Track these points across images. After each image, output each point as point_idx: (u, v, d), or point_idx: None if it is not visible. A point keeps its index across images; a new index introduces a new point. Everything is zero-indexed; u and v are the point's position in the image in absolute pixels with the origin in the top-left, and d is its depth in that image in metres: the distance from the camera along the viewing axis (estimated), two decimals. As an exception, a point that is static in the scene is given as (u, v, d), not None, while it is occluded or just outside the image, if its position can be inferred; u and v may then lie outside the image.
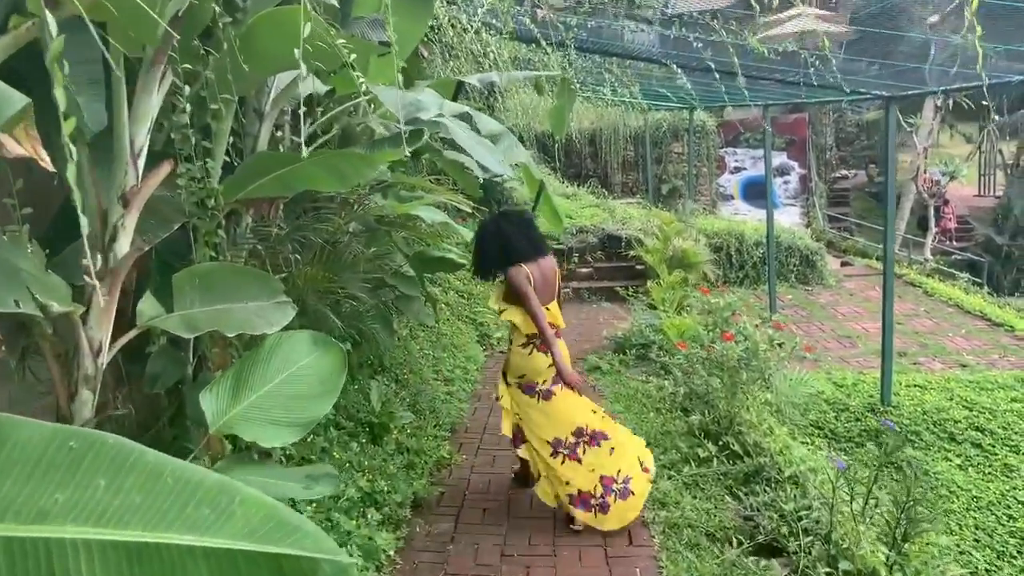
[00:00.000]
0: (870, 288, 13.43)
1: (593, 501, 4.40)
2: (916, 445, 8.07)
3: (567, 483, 4.42)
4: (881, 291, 12.81)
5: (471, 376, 7.34)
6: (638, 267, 11.92)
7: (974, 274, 17.98)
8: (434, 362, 7.15)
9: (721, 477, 5.15)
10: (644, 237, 11.77)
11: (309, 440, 4.54)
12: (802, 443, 6.66)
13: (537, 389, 4.51)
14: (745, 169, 22.22)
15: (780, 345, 6.10)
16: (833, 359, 10.01)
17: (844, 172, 25.64)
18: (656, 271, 10.98)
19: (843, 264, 15.18)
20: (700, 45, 8.73)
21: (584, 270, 12.09)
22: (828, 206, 22.93)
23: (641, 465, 4.61)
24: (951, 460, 7.85)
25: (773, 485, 4.86)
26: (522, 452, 4.66)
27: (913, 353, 10.26)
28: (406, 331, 7.22)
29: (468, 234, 6.28)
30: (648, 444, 5.67)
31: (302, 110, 4.44)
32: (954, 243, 23.39)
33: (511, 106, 14.90)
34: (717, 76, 7.68)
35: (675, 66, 7.62)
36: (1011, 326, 11.03)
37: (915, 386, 8.97)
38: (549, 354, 4.38)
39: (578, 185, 17.08)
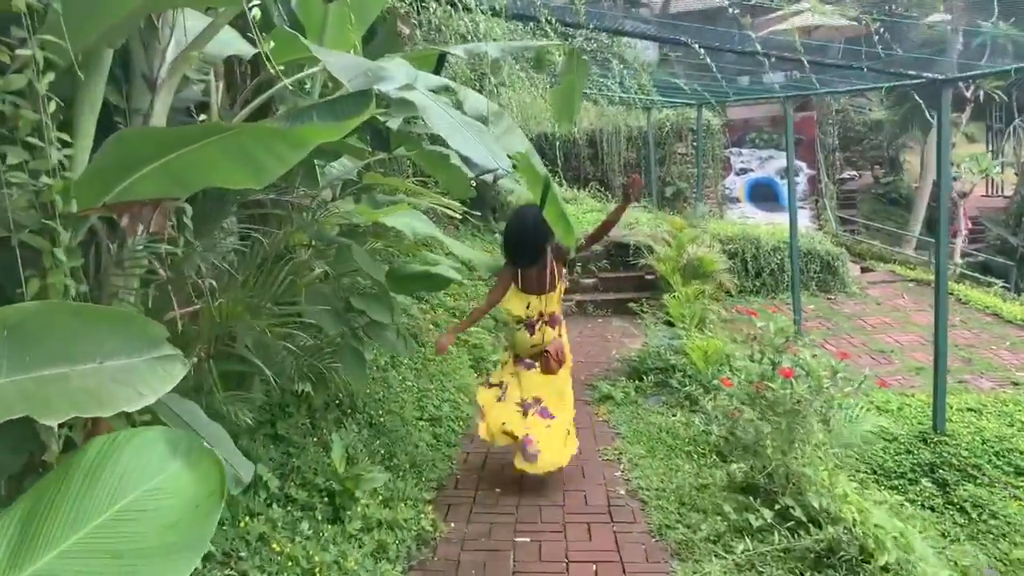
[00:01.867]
0: (897, 296, 12.26)
1: (528, 449, 4.83)
2: (978, 481, 6.88)
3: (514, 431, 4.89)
4: (913, 300, 11.77)
5: (463, 411, 6.13)
6: (648, 277, 10.72)
7: (989, 277, 16.82)
8: (418, 396, 5.94)
9: (782, 555, 3.96)
10: (654, 244, 10.58)
11: (241, 524, 3.34)
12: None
13: (525, 362, 5.15)
14: (751, 170, 21.06)
15: (839, 376, 4.90)
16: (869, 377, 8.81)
17: (852, 173, 24.48)
18: (669, 281, 9.79)
19: (863, 270, 14.00)
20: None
21: (588, 281, 10.89)
22: (837, 208, 21.76)
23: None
24: (1022, 499, 6.67)
25: (857, 571, 3.67)
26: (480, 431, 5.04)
27: (957, 370, 9.06)
28: (385, 359, 6.01)
29: (457, 246, 5.09)
30: (682, 504, 4.50)
31: (215, 83, 3.25)
32: (967, 245, 22.29)
33: (504, 102, 13.72)
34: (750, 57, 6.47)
35: (698, 47, 6.44)
36: (1061, 338, 9.86)
37: (969, 410, 7.78)
38: (532, 334, 5.05)
39: (579, 189, 15.88)
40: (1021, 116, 16.77)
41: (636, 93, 11.90)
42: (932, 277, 13.16)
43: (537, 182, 3.28)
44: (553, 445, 4.88)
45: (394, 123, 3.90)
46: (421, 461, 4.85)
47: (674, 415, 6.27)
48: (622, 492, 4.86)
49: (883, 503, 4.54)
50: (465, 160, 2.66)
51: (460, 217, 6.37)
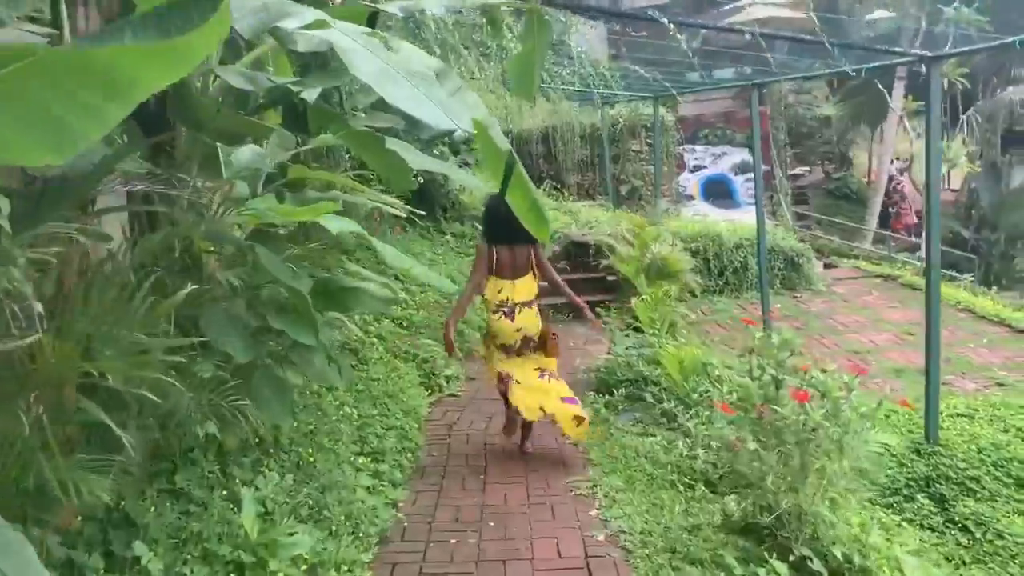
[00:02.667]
0: (864, 292, 11.71)
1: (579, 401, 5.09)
2: (978, 496, 6.25)
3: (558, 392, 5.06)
4: (882, 297, 11.21)
5: (411, 441, 5.26)
6: (609, 278, 9.97)
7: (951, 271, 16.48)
8: (358, 426, 5.07)
9: (804, 622, 3.20)
10: (615, 243, 9.83)
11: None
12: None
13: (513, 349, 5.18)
14: (705, 167, 20.56)
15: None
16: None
17: (803, 169, 24.15)
18: (633, 283, 9.06)
19: (827, 266, 13.46)
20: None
21: (546, 284, 10.11)
22: (791, 204, 21.37)
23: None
24: (1026, 513, 6.07)
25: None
26: (515, 400, 5.06)
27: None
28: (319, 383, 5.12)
29: (392, 254, 4.24)
30: (673, 552, 3.72)
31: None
32: (915, 238, 22.06)
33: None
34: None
35: (667, 22, 5.65)
36: (1038, 333, 9.36)
37: (959, 415, 7.17)
38: (513, 320, 5.08)
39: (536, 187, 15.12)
40: (973, 106, 16.47)
41: (595, 85, 11.11)
42: (898, 273, 12.70)
43: (498, 160, 2.45)
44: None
45: (310, 94, 3.05)
46: (359, 512, 3.97)
47: (652, 436, 5.50)
48: (600, 538, 4.05)
49: (917, 552, 3.81)
50: (410, 121, 1.84)
51: (405, 216, 5.55)
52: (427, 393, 6.49)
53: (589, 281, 10.06)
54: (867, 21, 23.74)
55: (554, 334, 5.32)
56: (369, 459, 4.71)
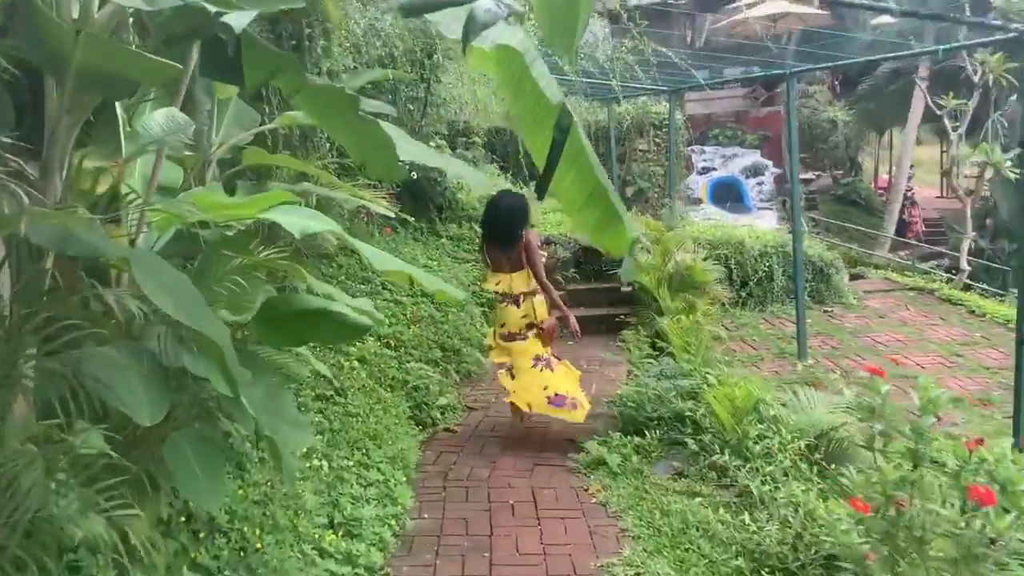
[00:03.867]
0: (900, 307, 10.56)
1: (567, 402, 5.18)
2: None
3: (545, 387, 5.20)
4: (920, 313, 9.91)
5: (396, 501, 4.08)
6: (624, 289, 8.81)
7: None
8: (329, 483, 3.89)
9: None
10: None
11: None
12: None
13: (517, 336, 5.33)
14: (714, 169, 19.42)
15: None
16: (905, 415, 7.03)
17: (815, 173, 23.02)
18: (654, 295, 7.90)
19: (853, 277, 12.30)
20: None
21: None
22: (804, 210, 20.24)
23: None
24: None
25: None
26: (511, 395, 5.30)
27: (994, 398, 7.35)
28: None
29: (378, 258, 3.05)
30: None
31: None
32: (929, 247, 21.02)
33: (456, 96, 11.68)
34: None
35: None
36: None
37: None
38: (519, 307, 5.30)
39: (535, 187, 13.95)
40: (999, 111, 15.39)
41: (613, 74, 9.95)
42: (933, 285, 11.56)
43: (550, 114, 1.30)
44: (572, 387, 5.35)
45: (238, 19, 1.90)
46: (319, 632, 2.81)
47: (699, 495, 4.34)
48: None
49: None
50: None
51: (394, 216, 4.40)
52: (418, 429, 5.32)
53: (602, 292, 8.91)
54: (873, 24, 22.71)
55: (542, 327, 5.35)
56: (340, 535, 3.53)
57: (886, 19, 22.48)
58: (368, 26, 7.68)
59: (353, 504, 3.78)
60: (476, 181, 4.35)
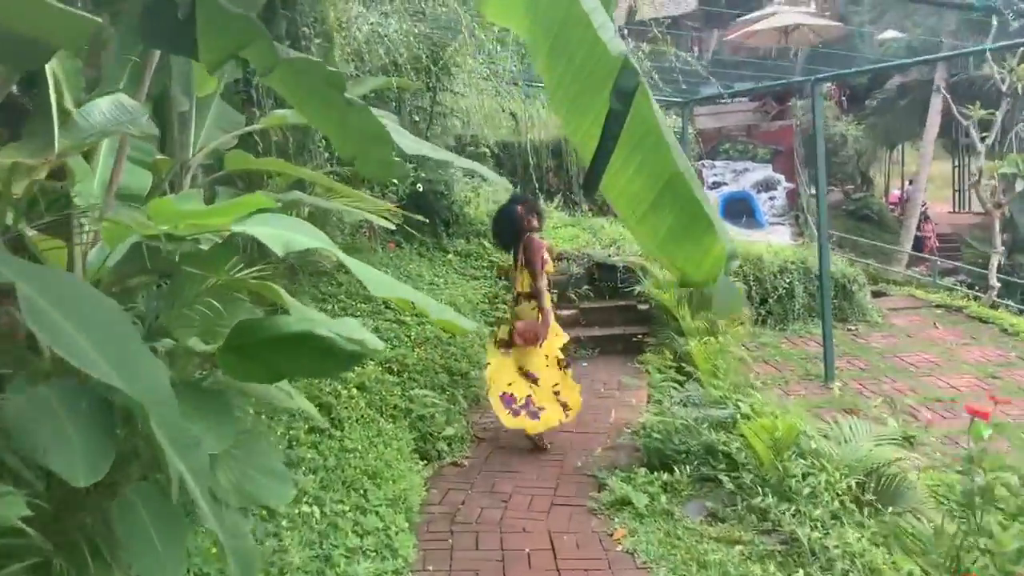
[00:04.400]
0: (927, 325, 10.03)
1: (517, 409, 5.16)
2: None
3: (510, 383, 5.25)
4: (949, 331, 9.29)
5: (397, 553, 3.56)
6: (641, 307, 8.30)
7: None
8: (320, 533, 3.38)
9: None
10: (648, 266, 8.17)
11: None
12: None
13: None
14: (725, 184, 18.88)
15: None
16: (941, 440, 6.50)
17: (827, 188, 22.51)
18: (674, 314, 7.40)
19: (875, 294, 11.75)
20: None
21: (567, 312, 8.42)
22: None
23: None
24: None
25: None
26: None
27: (1048, 426, 6.82)
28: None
29: (375, 280, 2.55)
30: None
31: None
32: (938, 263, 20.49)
33: (463, 107, 11.21)
34: None
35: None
36: None
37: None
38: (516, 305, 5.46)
39: (545, 202, 13.47)
40: (1020, 123, 14.89)
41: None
42: (960, 303, 11.03)
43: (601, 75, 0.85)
44: (546, 401, 5.22)
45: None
46: None
47: (739, 543, 3.82)
48: None
49: None
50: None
51: (395, 227, 3.92)
52: (422, 464, 4.81)
53: (618, 311, 8.40)
54: (879, 40, 22.35)
55: (517, 332, 5.30)
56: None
57: (892, 33, 22.13)
58: (371, 31, 7.24)
59: (347, 559, 3.27)
60: (492, 177, 3.90)
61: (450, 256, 8.40)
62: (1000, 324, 9.69)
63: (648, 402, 6.11)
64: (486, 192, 9.80)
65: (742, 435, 4.42)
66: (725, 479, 4.31)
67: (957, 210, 27.30)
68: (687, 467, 4.57)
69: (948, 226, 24.49)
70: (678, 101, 11.63)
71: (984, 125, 11.06)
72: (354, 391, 4.90)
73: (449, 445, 5.26)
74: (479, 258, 8.50)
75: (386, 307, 6.30)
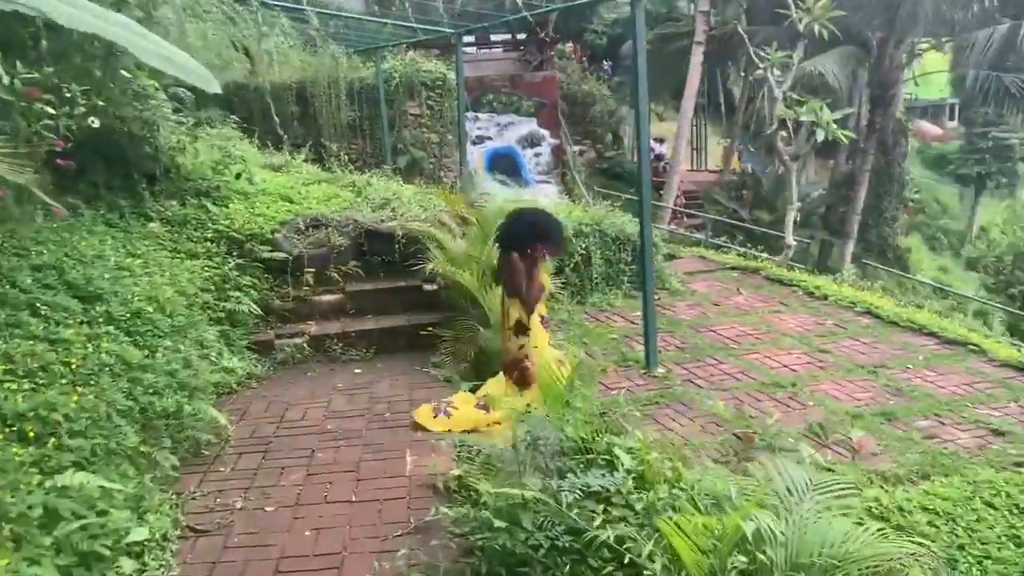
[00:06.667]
0: (731, 291, 8.93)
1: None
2: None
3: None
4: (757, 298, 8.26)
5: None
6: (427, 287, 6.24)
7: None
8: None
9: None
10: (437, 233, 6.11)
11: None
12: None
13: None
14: (490, 139, 17.31)
15: None
16: (800, 438, 5.15)
17: (582, 145, 21.76)
18: (475, 296, 5.43)
19: (666, 257, 10.60)
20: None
21: (328, 298, 6.13)
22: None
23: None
24: None
25: None
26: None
27: (895, 410, 5.75)
28: None
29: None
30: None
31: None
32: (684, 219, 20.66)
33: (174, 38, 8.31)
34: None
35: None
36: (976, 345, 7.00)
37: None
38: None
39: (291, 154, 10.87)
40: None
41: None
42: (755, 264, 10.17)
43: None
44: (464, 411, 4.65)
45: None
46: None
47: None
48: None
49: None
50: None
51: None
52: None
53: (396, 293, 6.26)
54: None
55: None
56: None
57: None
58: None
59: None
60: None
61: (154, 225, 5.75)
62: (803, 287, 8.81)
63: (460, 437, 4.10)
64: (209, 136, 7.10)
65: (657, 530, 2.54)
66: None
67: (694, 168, 28.14)
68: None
69: (691, 183, 24.93)
70: (448, 33, 9.56)
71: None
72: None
73: (137, 558, 2.92)
74: (200, 227, 5.94)
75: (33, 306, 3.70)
